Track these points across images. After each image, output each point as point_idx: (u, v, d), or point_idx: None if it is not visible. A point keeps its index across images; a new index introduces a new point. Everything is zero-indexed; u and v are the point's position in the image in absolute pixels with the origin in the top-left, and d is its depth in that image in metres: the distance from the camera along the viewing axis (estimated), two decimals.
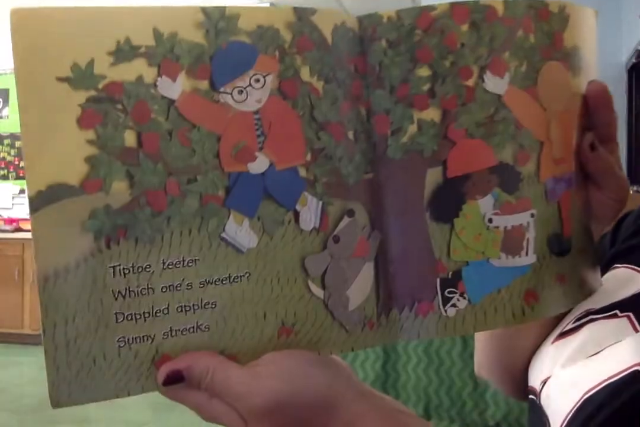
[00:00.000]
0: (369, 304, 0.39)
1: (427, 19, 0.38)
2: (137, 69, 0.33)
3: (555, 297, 0.43)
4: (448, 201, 0.40)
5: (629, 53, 3.91)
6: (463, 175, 0.39)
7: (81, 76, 0.33)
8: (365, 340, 0.40)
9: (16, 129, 5.58)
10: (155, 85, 0.34)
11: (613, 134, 0.47)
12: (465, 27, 0.38)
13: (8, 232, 5.03)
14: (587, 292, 0.46)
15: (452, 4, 0.38)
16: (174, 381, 0.35)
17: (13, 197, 5.63)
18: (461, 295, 0.40)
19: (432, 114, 0.39)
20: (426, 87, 0.38)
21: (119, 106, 0.33)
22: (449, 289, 0.40)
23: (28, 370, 4.10)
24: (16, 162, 5.66)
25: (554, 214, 0.42)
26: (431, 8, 0.38)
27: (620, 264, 0.52)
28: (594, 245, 0.47)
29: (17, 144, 5.63)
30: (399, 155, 0.39)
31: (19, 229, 5.13)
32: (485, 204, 0.40)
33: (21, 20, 0.32)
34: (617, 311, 0.45)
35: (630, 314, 0.44)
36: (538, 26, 0.40)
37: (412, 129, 0.39)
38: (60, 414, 2.72)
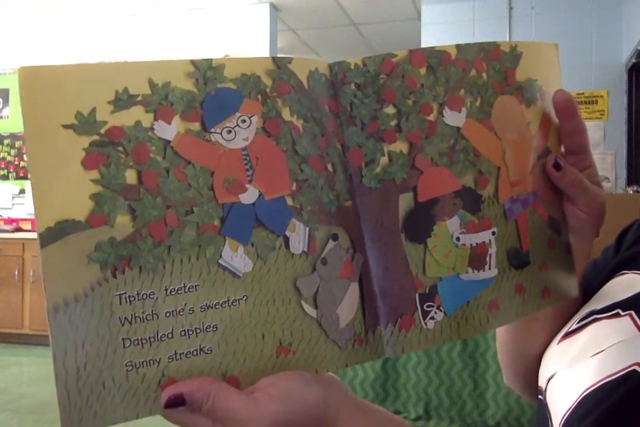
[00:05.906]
0: (357, 321, 0.42)
1: (390, 65, 0.43)
2: (135, 114, 0.36)
3: (515, 305, 0.47)
4: (420, 223, 0.43)
5: (629, 53, 3.91)
6: (432, 199, 0.44)
7: (84, 123, 0.35)
8: (357, 356, 0.42)
9: (16, 129, 5.56)
10: (152, 129, 0.37)
11: (583, 144, 0.49)
12: (423, 71, 0.43)
13: (8, 232, 4.92)
14: (552, 299, 0.49)
15: (410, 51, 0.43)
16: (176, 404, 0.36)
17: (13, 197, 5.55)
18: (438, 308, 0.44)
19: (400, 146, 0.43)
20: (393, 123, 0.43)
21: (120, 148, 0.36)
22: (427, 303, 0.43)
23: (28, 370, 4.07)
24: (16, 162, 5.60)
25: (513, 231, 0.47)
26: (392, 55, 0.43)
27: (629, 270, 0.52)
28: (566, 257, 0.51)
29: (17, 144, 5.59)
30: (374, 184, 0.43)
31: (19, 229, 5.03)
32: (452, 224, 0.44)
33: (28, 77, 0.34)
34: (619, 310, 0.46)
35: (632, 312, 0.44)
36: (490, 65, 0.45)
37: (384, 160, 0.43)
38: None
